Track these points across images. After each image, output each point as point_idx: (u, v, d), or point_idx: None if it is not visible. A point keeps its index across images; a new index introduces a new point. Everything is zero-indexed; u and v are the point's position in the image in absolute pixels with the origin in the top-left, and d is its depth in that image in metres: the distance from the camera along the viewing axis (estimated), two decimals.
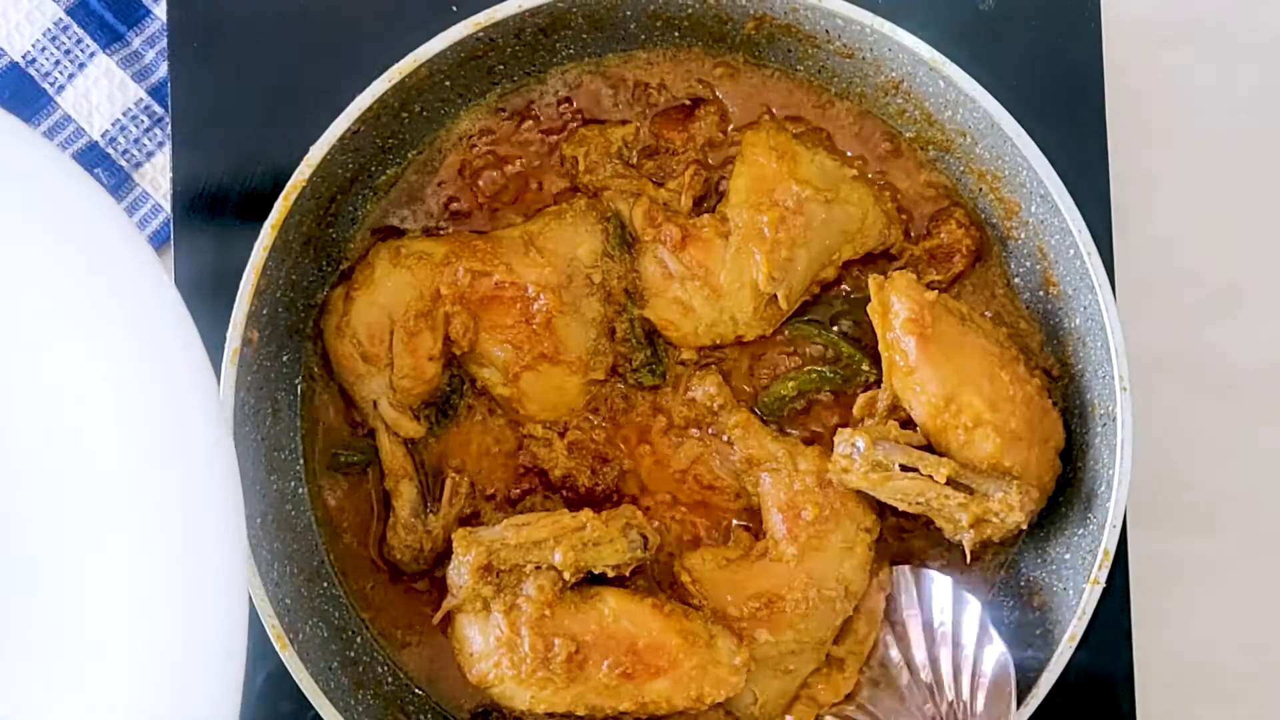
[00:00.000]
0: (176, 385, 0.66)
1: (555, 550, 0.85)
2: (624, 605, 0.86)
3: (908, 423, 0.88)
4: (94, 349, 0.66)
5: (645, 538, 0.87)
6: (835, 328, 0.94)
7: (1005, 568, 0.94)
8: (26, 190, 0.66)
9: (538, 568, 0.85)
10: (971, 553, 0.87)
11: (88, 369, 0.66)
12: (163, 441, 0.66)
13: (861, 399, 0.90)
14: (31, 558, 0.67)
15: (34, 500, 0.67)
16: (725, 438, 0.92)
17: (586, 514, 0.86)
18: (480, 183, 0.94)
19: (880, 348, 0.88)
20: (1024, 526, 0.85)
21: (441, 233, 0.93)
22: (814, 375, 0.93)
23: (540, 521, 0.87)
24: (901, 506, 0.87)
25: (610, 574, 0.87)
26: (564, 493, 0.93)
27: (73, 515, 0.66)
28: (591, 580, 0.87)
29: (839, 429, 0.88)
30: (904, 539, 0.93)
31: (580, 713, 0.85)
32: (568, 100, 0.95)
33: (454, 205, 0.94)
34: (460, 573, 0.85)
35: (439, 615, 0.87)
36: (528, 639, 0.84)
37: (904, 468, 0.85)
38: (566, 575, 0.85)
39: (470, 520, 0.92)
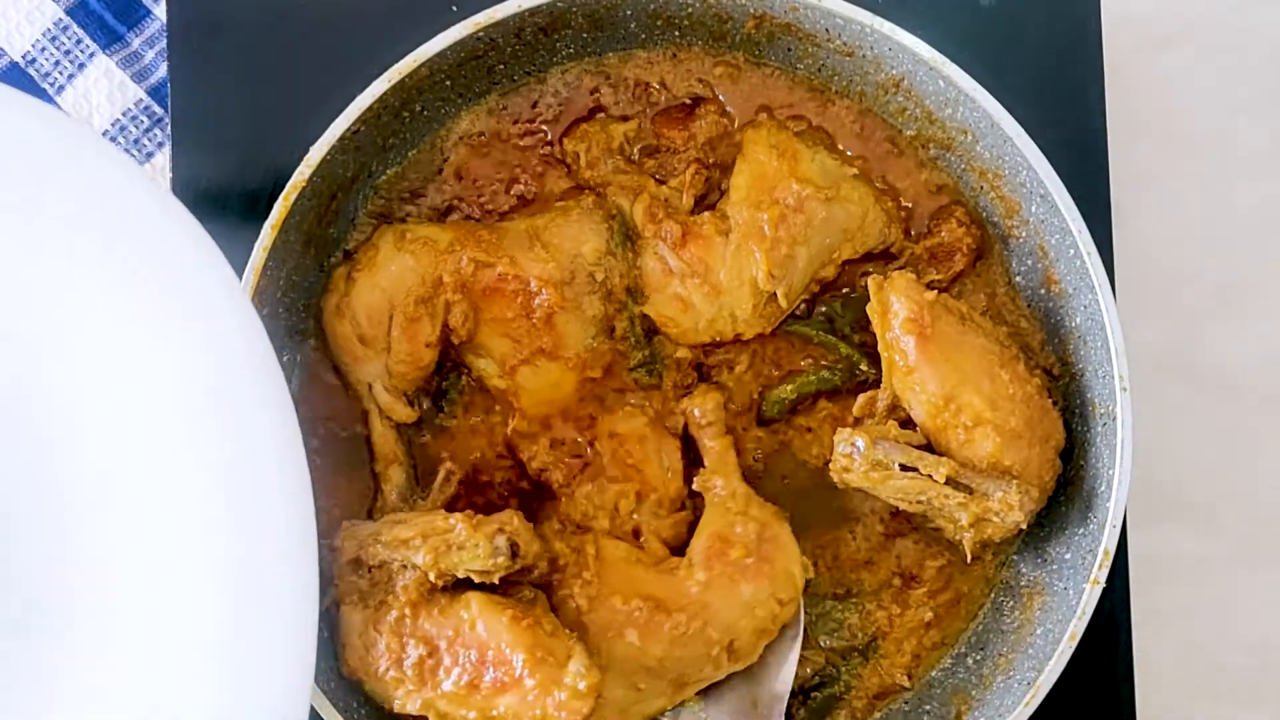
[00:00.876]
0: (235, 363, 0.69)
1: (419, 551, 0.83)
2: (484, 611, 0.82)
3: (907, 422, 0.88)
4: (151, 331, 0.68)
5: (515, 545, 0.83)
6: (834, 326, 0.94)
7: (1005, 568, 0.94)
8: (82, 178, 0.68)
9: (404, 567, 0.84)
10: (971, 552, 0.87)
11: (143, 352, 0.68)
12: (229, 427, 0.68)
13: (861, 398, 0.90)
14: (98, 548, 0.69)
15: (100, 489, 0.68)
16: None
17: (460, 516, 0.84)
18: (481, 182, 0.94)
19: (880, 347, 0.88)
20: (1024, 526, 0.85)
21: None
22: (813, 378, 0.93)
23: (413, 520, 0.85)
24: (901, 506, 0.87)
25: (476, 579, 0.83)
26: (541, 488, 0.92)
27: (137, 501, 0.68)
28: (471, 585, 0.84)
29: (839, 428, 0.88)
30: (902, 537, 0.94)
31: (428, 713, 0.83)
32: (568, 99, 0.95)
33: (455, 204, 0.94)
34: (334, 565, 0.86)
35: (322, 604, 0.85)
36: (384, 639, 0.83)
37: (904, 467, 0.85)
38: (431, 577, 0.83)
39: (452, 507, 0.91)
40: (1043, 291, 0.92)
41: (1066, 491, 0.90)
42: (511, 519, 0.84)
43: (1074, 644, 0.84)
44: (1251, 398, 1.03)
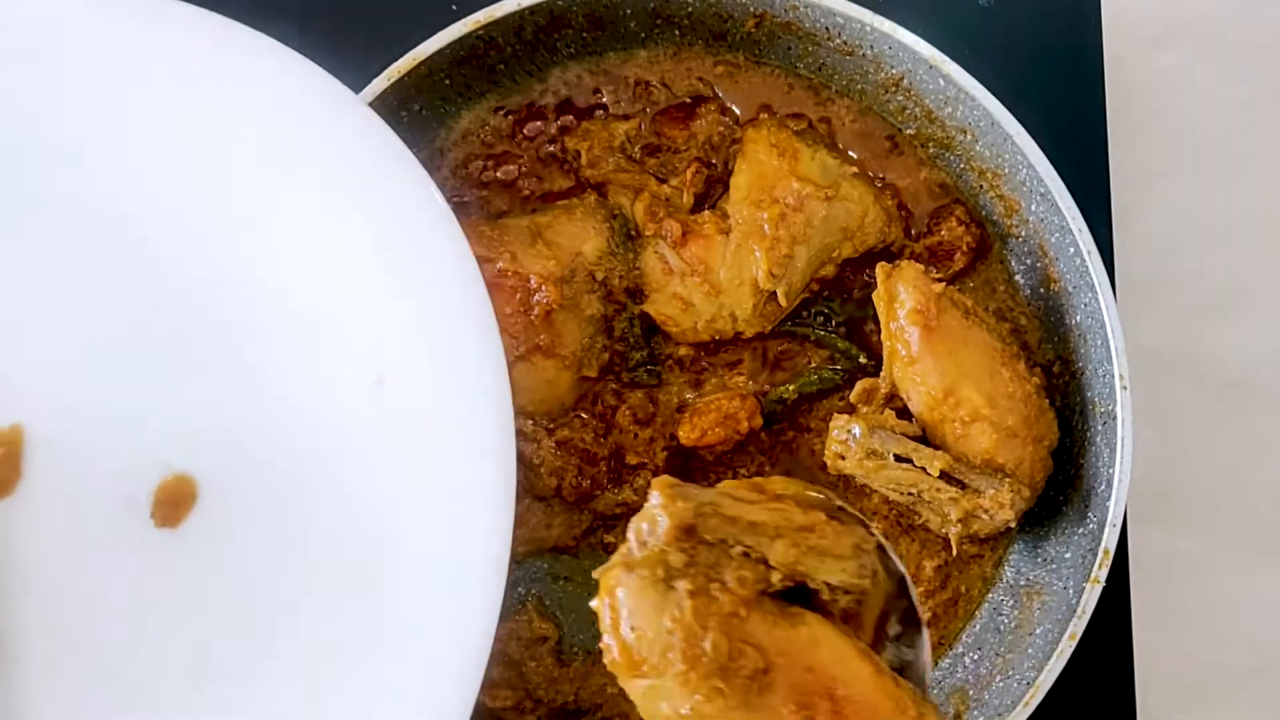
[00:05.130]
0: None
1: (776, 542, 0.67)
2: (830, 639, 0.67)
3: (903, 412, 0.88)
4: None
5: (889, 568, 0.71)
6: (833, 325, 0.94)
7: (1004, 567, 0.94)
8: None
9: (746, 555, 0.67)
10: (957, 547, 0.88)
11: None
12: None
13: (859, 386, 0.90)
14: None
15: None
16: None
17: (817, 515, 0.69)
18: (481, 181, 0.94)
19: (883, 336, 0.88)
20: (1012, 525, 0.85)
21: None
22: (814, 378, 0.93)
23: (762, 503, 0.69)
24: (892, 496, 0.87)
25: (826, 595, 0.69)
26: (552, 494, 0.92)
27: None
28: (789, 598, 0.69)
29: (836, 414, 0.88)
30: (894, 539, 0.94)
31: None
32: (569, 98, 0.95)
33: (455, 203, 0.94)
34: (656, 526, 0.67)
35: (604, 570, 0.68)
36: (712, 636, 0.64)
37: (898, 458, 0.85)
38: (774, 578, 0.66)
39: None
40: (1042, 290, 0.92)
41: (1066, 490, 0.90)
42: (868, 538, 0.71)
43: (1074, 643, 0.84)
44: (1252, 396, 1.03)
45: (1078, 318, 0.88)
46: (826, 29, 0.89)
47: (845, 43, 0.89)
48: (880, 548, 0.72)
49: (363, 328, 0.76)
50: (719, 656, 0.64)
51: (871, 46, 0.88)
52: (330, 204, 0.76)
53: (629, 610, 0.66)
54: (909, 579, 0.74)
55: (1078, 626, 0.84)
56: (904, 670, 0.71)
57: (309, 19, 0.98)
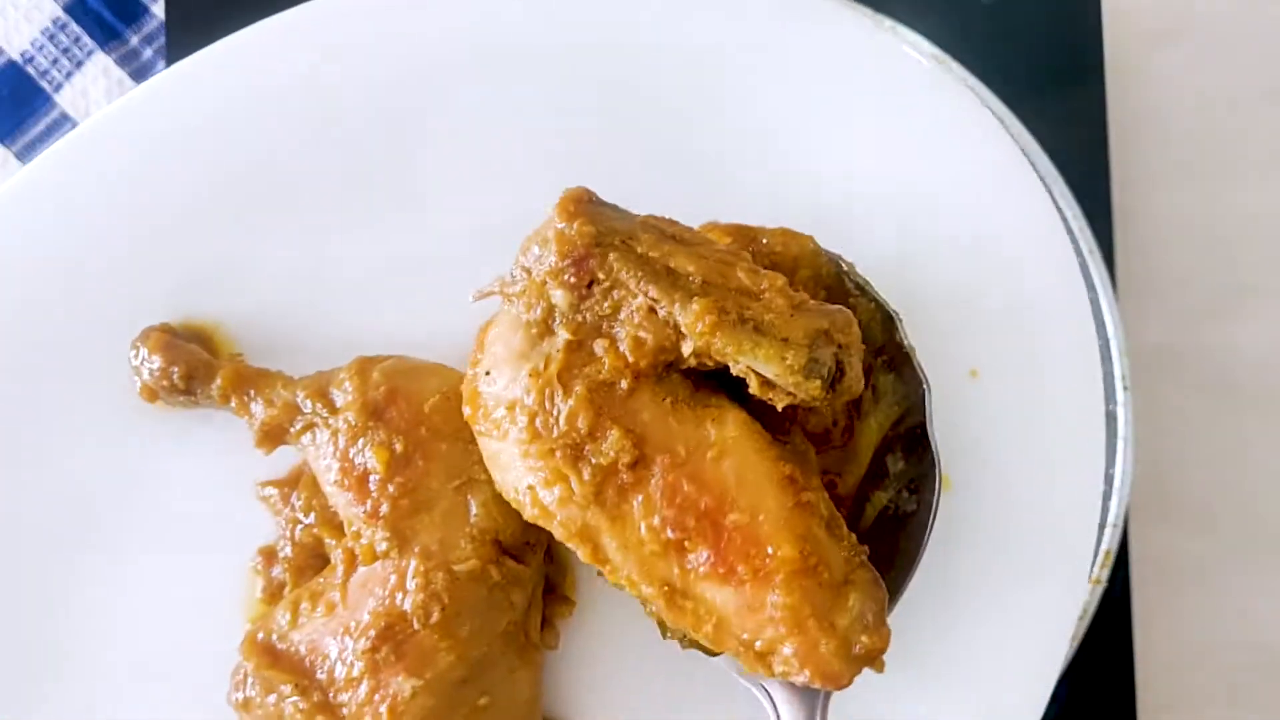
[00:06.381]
0: None
1: (694, 300, 0.50)
2: (743, 446, 0.50)
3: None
4: None
5: (840, 368, 0.51)
6: None
7: None
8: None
9: (653, 310, 0.50)
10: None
11: None
12: None
13: None
14: None
15: None
16: None
17: (773, 279, 0.52)
18: None
19: None
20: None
21: None
22: None
23: (700, 248, 0.52)
24: None
25: (754, 389, 0.51)
26: None
27: None
28: (713, 379, 0.53)
29: None
30: None
31: (573, 543, 0.51)
32: None
33: None
34: (545, 249, 0.51)
35: (481, 294, 0.53)
36: (570, 406, 0.49)
37: None
38: (685, 350, 0.50)
39: None
40: None
41: None
42: (850, 326, 0.52)
43: (1075, 644, 0.84)
44: (1252, 397, 1.03)
45: None
46: None
47: None
48: (894, 348, 0.56)
49: (959, 320, 0.72)
50: (574, 432, 0.48)
51: None
52: (942, 197, 0.75)
53: (491, 351, 0.51)
54: (929, 397, 0.55)
55: (1079, 627, 0.84)
56: (903, 523, 0.55)
57: None
